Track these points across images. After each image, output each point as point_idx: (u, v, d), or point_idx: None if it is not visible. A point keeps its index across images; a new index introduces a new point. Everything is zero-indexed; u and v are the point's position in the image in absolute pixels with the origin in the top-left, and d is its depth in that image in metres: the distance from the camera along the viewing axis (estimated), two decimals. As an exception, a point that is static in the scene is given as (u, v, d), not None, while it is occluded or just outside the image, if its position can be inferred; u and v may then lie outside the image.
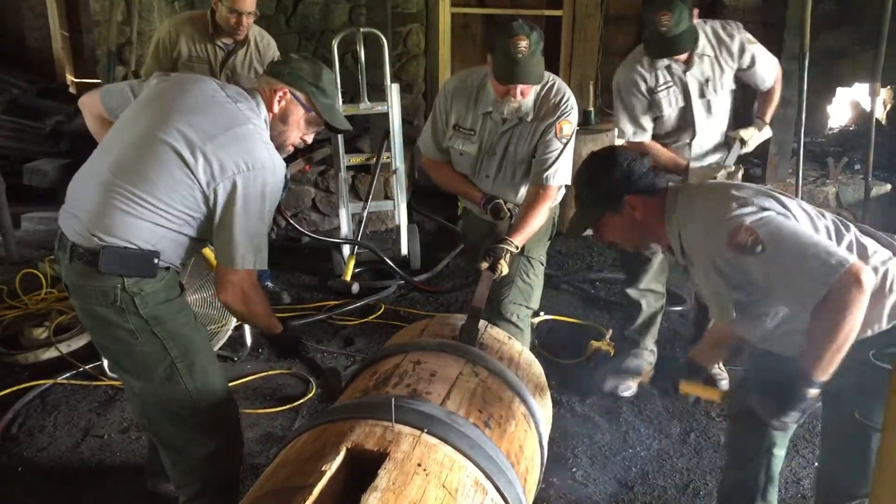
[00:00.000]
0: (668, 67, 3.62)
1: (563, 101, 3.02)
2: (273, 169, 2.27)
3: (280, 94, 2.40)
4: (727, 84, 3.74)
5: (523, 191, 3.17)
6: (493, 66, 2.88)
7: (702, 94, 3.67)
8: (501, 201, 3.16)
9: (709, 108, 3.72)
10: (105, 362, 3.68)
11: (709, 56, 3.65)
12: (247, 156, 2.22)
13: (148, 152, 2.21)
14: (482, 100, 3.07)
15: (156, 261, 2.25)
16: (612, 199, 2.30)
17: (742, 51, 3.70)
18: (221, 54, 4.21)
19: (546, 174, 3.02)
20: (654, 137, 3.75)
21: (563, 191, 3.28)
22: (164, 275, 2.31)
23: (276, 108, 2.41)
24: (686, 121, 3.70)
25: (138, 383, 2.39)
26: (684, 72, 3.63)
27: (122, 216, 2.19)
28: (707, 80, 3.66)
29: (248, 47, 4.26)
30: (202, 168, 2.19)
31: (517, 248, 2.90)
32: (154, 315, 2.29)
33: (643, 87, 3.63)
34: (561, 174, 3.05)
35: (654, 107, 3.66)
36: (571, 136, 3.04)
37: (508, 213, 3.12)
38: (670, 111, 3.68)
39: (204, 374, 2.43)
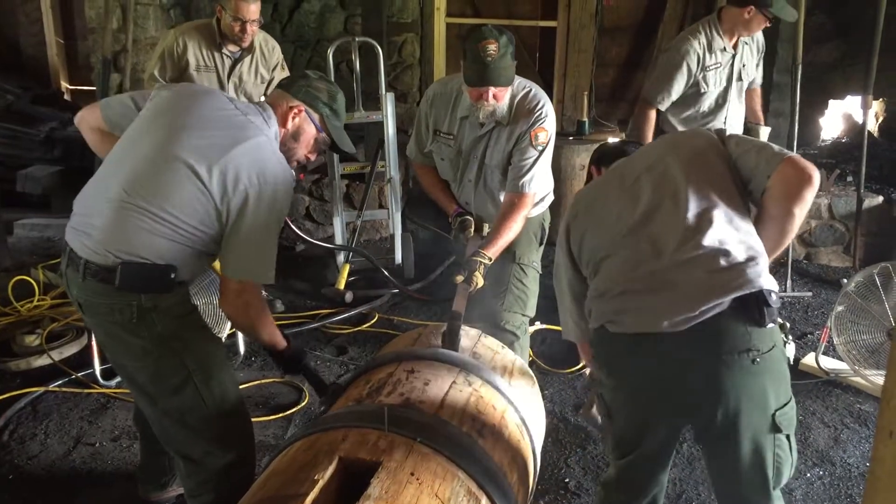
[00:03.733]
0: (724, 49, 4.09)
1: (538, 108, 3.03)
2: (283, 181, 2.29)
3: (296, 111, 2.41)
4: (751, 75, 4.24)
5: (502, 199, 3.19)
6: (464, 71, 2.92)
7: (739, 78, 4.21)
8: (470, 218, 3.20)
9: (739, 94, 4.18)
10: (98, 370, 3.67)
11: (748, 44, 4.12)
12: (259, 169, 2.22)
13: (162, 168, 2.20)
14: (460, 105, 3.10)
15: (172, 276, 2.24)
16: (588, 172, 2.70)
17: (760, 49, 4.25)
18: (228, 62, 4.22)
19: (521, 181, 3.04)
20: (694, 117, 4.25)
21: (546, 202, 3.29)
22: (179, 290, 2.31)
23: (289, 125, 2.42)
24: (722, 102, 4.21)
25: (155, 398, 2.38)
26: (732, 56, 4.13)
27: (138, 233, 2.18)
28: (743, 66, 4.14)
29: (254, 54, 4.27)
30: (216, 183, 2.19)
31: (490, 259, 2.94)
32: (171, 330, 2.28)
33: (695, 64, 4.05)
34: (536, 182, 3.07)
35: (698, 83, 4.11)
36: (547, 145, 3.06)
37: (475, 229, 3.17)
38: (715, 90, 4.16)
39: (221, 386, 2.43)
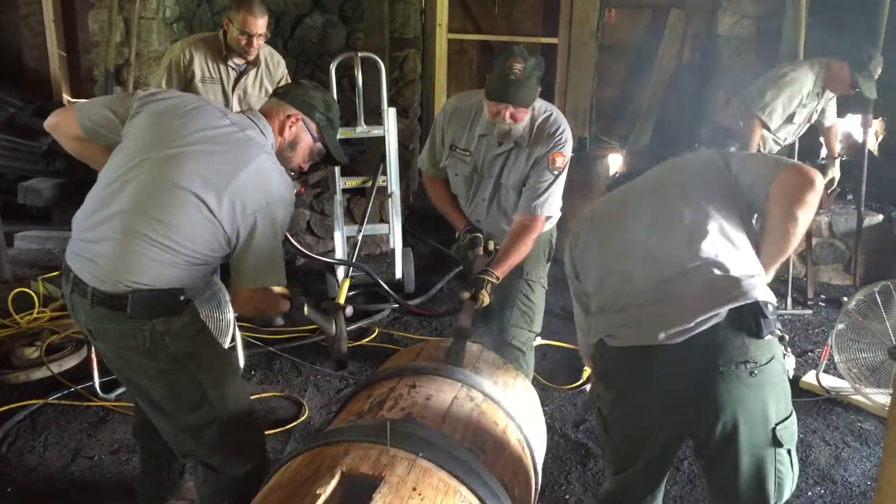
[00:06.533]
0: (819, 94, 4.68)
1: (558, 133, 3.03)
2: (287, 195, 2.31)
3: (293, 119, 2.42)
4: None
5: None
6: (487, 84, 2.92)
7: (809, 121, 4.87)
8: (480, 236, 3.19)
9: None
10: (97, 383, 3.66)
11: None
12: (265, 191, 2.24)
13: (166, 198, 2.18)
14: (479, 122, 3.08)
15: (181, 298, 2.25)
16: None
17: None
18: (234, 74, 4.24)
19: (535, 203, 3.04)
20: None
21: (553, 220, 3.29)
22: (188, 309, 2.31)
23: (286, 134, 2.42)
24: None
25: (172, 415, 2.37)
26: (810, 114, 4.79)
27: (146, 263, 2.17)
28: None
29: (259, 67, 4.30)
30: (226, 212, 2.19)
31: (498, 278, 2.93)
32: (184, 350, 2.28)
33: (803, 96, 4.65)
34: (549, 205, 3.07)
35: (793, 114, 4.69)
36: (563, 169, 3.06)
37: (483, 249, 3.16)
38: (796, 124, 4.76)
39: (236, 399, 2.43)
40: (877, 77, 4.57)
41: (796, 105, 4.64)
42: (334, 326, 2.71)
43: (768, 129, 4.63)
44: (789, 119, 4.70)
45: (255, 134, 2.33)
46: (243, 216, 2.21)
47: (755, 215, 2.24)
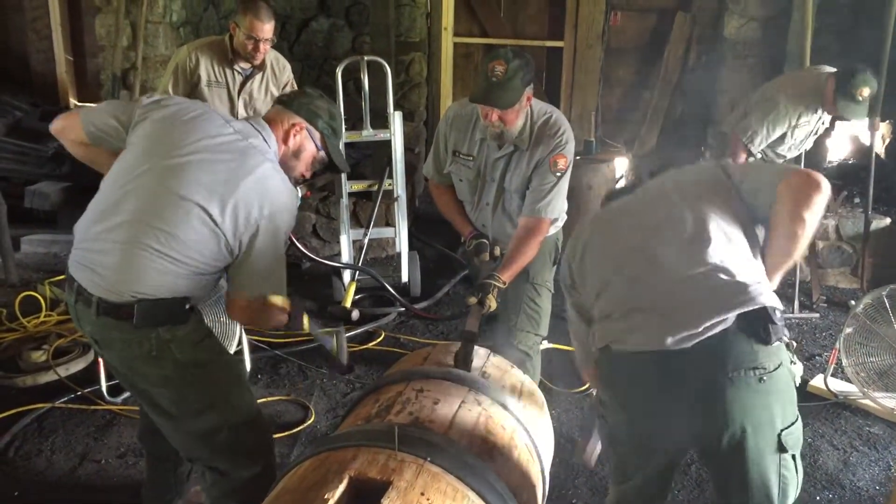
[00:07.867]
0: (819, 109, 4.53)
1: (558, 135, 3.02)
2: (290, 204, 2.31)
3: (297, 128, 2.41)
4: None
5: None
6: (472, 86, 2.93)
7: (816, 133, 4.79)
8: (485, 242, 3.19)
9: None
10: (104, 387, 3.66)
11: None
12: (268, 200, 2.23)
13: (170, 209, 2.17)
14: (479, 126, 3.08)
15: (187, 306, 2.25)
16: None
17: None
18: (240, 79, 4.24)
19: (538, 206, 3.03)
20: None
21: (559, 223, 3.29)
22: (194, 317, 2.31)
23: (290, 143, 2.41)
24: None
25: (179, 421, 2.37)
26: (815, 129, 4.70)
27: (151, 272, 2.17)
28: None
29: (265, 71, 4.30)
30: (229, 221, 2.19)
31: (504, 283, 2.93)
32: (190, 357, 2.28)
33: (791, 119, 4.51)
34: (553, 207, 3.06)
35: (784, 135, 4.58)
36: (566, 171, 3.05)
37: (489, 254, 3.16)
38: (791, 143, 4.68)
39: (243, 404, 2.44)
40: (862, 99, 4.35)
41: (785, 128, 4.54)
42: (335, 342, 2.70)
43: (750, 153, 4.58)
44: (781, 139, 4.62)
45: (259, 142, 2.33)
46: (246, 225, 2.21)
47: (761, 228, 2.21)
